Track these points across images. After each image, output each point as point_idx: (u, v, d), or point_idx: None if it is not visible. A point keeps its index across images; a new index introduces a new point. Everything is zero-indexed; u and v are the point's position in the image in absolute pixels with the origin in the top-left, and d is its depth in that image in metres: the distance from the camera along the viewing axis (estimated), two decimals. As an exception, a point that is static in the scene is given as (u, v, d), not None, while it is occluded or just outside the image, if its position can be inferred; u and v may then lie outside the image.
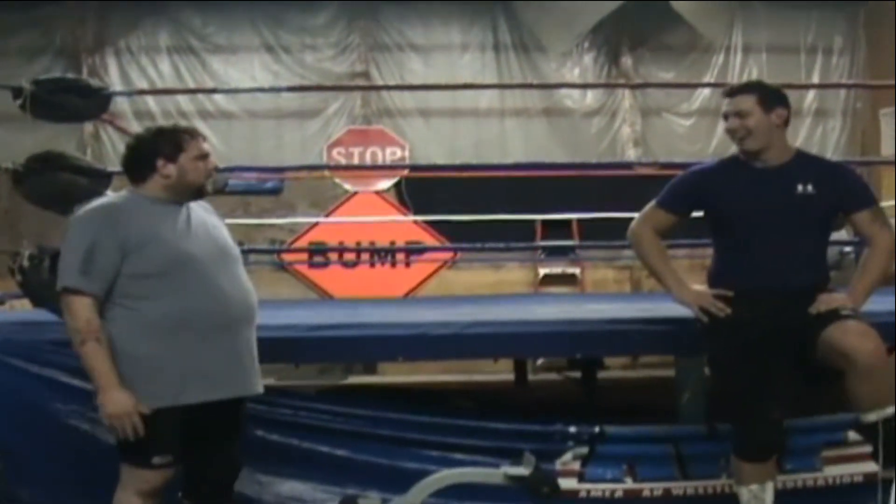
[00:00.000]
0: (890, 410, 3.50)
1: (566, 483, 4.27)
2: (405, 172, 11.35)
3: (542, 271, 11.34)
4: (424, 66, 11.71)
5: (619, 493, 4.36)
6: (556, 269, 11.35)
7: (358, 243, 10.90)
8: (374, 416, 4.54)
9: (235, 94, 11.40)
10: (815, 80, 11.90)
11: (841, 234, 6.20)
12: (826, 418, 4.40)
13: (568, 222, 10.44)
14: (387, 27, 11.74)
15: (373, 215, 10.87)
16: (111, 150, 10.93)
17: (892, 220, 3.93)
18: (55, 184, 4.57)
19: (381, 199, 11.43)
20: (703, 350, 4.04)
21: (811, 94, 11.92)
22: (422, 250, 11.02)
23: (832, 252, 5.96)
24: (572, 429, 4.40)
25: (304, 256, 11.20)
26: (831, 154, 11.43)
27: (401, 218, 11.11)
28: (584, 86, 12.38)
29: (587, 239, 10.13)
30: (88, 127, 10.99)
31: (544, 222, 10.53)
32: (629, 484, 4.37)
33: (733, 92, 3.86)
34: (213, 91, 11.44)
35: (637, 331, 4.48)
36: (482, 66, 11.79)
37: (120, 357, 3.27)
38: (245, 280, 3.54)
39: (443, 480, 3.92)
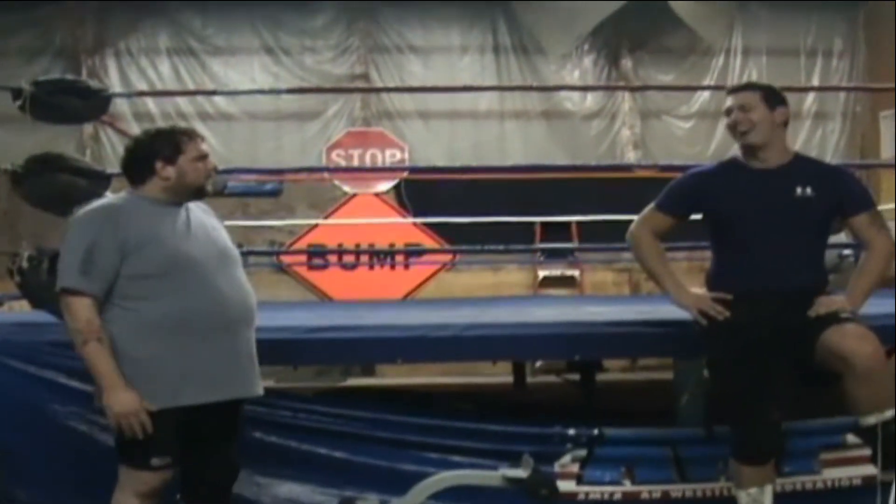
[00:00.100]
0: (888, 413, 3.49)
1: (565, 485, 4.27)
2: (404, 174, 11.37)
3: (541, 273, 11.34)
4: (424, 68, 11.72)
5: (617, 496, 4.36)
6: (555, 272, 11.35)
7: (357, 245, 10.89)
8: (372, 418, 4.54)
9: (235, 95, 11.43)
10: (815, 82, 11.90)
11: (840, 238, 6.20)
12: (825, 421, 4.41)
13: (567, 224, 10.43)
14: (386, 29, 11.75)
15: (372, 217, 10.88)
16: (110, 151, 10.94)
17: (893, 223, 3.93)
18: (54, 185, 4.57)
19: (380, 201, 11.43)
20: (703, 352, 4.04)
21: (811, 97, 11.94)
22: (421, 252, 11.02)
23: (831, 255, 5.96)
24: (571, 431, 4.41)
25: (304, 258, 11.20)
26: (831, 157, 11.45)
27: (400, 220, 11.13)
28: (584, 88, 12.39)
29: (586, 241, 10.11)
30: (88, 128, 11.00)
31: (543, 224, 10.52)
32: (627, 486, 4.37)
33: (738, 88, 3.91)
34: (213, 93, 11.44)
35: (636, 333, 4.48)
36: (482, 68, 11.79)
37: (119, 358, 3.26)
38: (244, 282, 3.53)
39: (441, 483, 3.92)
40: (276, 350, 4.07)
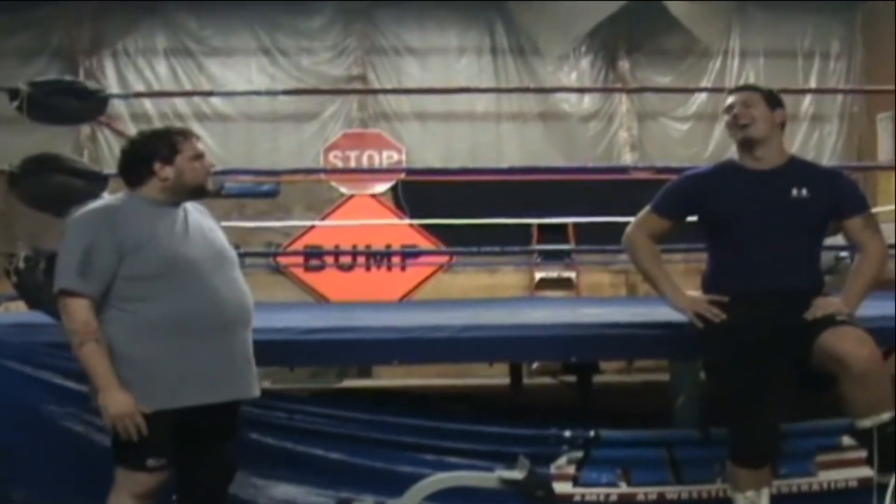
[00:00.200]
0: (885, 416, 3.50)
1: (560, 487, 4.27)
2: (401, 176, 11.36)
3: (538, 275, 11.35)
4: (421, 70, 11.72)
5: (613, 497, 4.36)
6: (552, 273, 11.36)
7: (354, 247, 10.88)
8: (368, 419, 4.54)
9: (232, 96, 11.43)
10: (812, 84, 11.94)
11: (837, 239, 6.21)
12: (821, 423, 4.41)
13: (564, 226, 10.45)
14: (383, 30, 11.76)
15: (369, 219, 10.87)
16: (108, 152, 10.95)
17: (892, 224, 3.94)
18: (51, 186, 4.57)
19: (377, 202, 11.42)
20: (699, 354, 4.04)
21: (808, 99, 11.96)
22: (417, 254, 11.02)
23: (828, 257, 5.97)
24: (567, 433, 4.41)
25: (300, 260, 11.19)
26: (828, 159, 11.47)
27: (397, 221, 11.12)
28: (581, 90, 12.39)
29: (583, 243, 10.12)
30: (85, 129, 11.01)
31: (540, 226, 10.54)
32: (623, 488, 4.37)
33: (740, 88, 4.01)
34: (210, 94, 11.45)
35: (632, 335, 4.48)
36: (479, 69, 11.80)
37: (116, 359, 3.26)
38: (241, 283, 3.53)
39: (437, 484, 3.92)
40: (272, 351, 4.06)
